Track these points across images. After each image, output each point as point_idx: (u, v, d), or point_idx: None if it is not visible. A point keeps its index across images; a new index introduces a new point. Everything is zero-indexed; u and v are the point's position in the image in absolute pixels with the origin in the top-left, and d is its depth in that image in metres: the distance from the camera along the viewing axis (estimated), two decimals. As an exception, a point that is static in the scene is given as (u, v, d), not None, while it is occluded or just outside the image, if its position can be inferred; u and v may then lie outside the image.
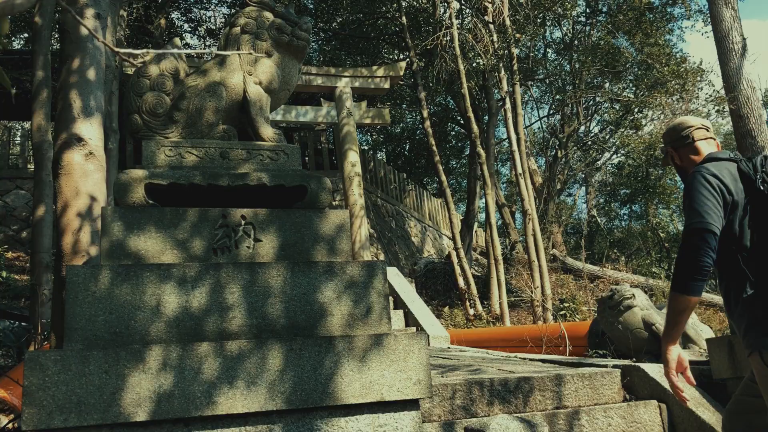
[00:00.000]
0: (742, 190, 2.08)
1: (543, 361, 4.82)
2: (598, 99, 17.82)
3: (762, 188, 2.04)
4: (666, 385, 3.58)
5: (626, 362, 4.08)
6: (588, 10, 16.94)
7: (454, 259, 12.25)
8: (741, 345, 3.52)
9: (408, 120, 22.61)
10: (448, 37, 11.86)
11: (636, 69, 15.55)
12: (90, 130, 4.02)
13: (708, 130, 2.38)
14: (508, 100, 12.14)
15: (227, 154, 2.84)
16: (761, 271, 1.97)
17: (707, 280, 1.99)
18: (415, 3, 15.25)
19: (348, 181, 10.73)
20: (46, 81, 6.95)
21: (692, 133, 2.36)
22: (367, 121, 11.52)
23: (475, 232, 18.57)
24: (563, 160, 18.87)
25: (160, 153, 2.78)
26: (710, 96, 13.93)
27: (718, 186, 2.05)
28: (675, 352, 2.09)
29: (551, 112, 20.33)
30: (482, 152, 12.26)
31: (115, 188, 2.64)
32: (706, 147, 2.34)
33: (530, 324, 10.63)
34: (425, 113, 12.80)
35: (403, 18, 12.93)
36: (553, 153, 18.95)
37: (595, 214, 24.55)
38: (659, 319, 5.06)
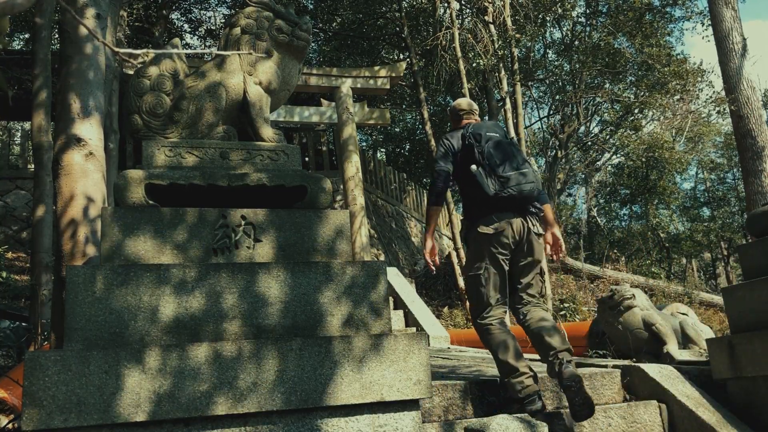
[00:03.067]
0: (461, 146, 3.48)
1: (543, 361, 4.81)
2: (598, 99, 17.82)
3: (467, 143, 3.44)
4: (666, 385, 3.58)
5: (626, 362, 4.08)
6: (588, 11, 16.93)
7: (454, 260, 12.25)
8: (741, 345, 3.53)
9: (408, 120, 22.61)
10: (449, 38, 11.86)
11: (636, 69, 15.55)
12: (90, 130, 4.02)
13: (469, 110, 3.75)
14: (508, 100, 12.14)
15: (227, 155, 2.84)
16: (467, 188, 3.44)
17: (444, 195, 3.53)
18: (415, 3, 15.25)
19: (348, 182, 10.73)
20: (46, 81, 6.96)
21: (459, 112, 3.76)
22: (368, 121, 11.52)
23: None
24: (563, 160, 18.87)
25: (160, 153, 2.78)
26: (710, 97, 13.94)
27: (449, 145, 3.52)
28: (431, 241, 3.51)
29: (551, 112, 20.33)
30: (482, 152, 12.22)
31: (115, 188, 2.64)
32: (465, 121, 3.70)
33: (530, 324, 10.60)
34: (425, 114, 12.79)
35: (404, 18, 12.93)
36: (553, 153, 18.95)
37: (595, 215, 24.55)
38: (659, 320, 5.06)
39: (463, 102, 3.82)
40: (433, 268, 3.53)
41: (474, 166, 3.35)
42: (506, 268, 3.39)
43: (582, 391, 3.09)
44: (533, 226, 3.42)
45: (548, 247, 3.60)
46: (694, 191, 26.96)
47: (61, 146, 3.95)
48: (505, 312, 3.44)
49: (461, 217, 3.87)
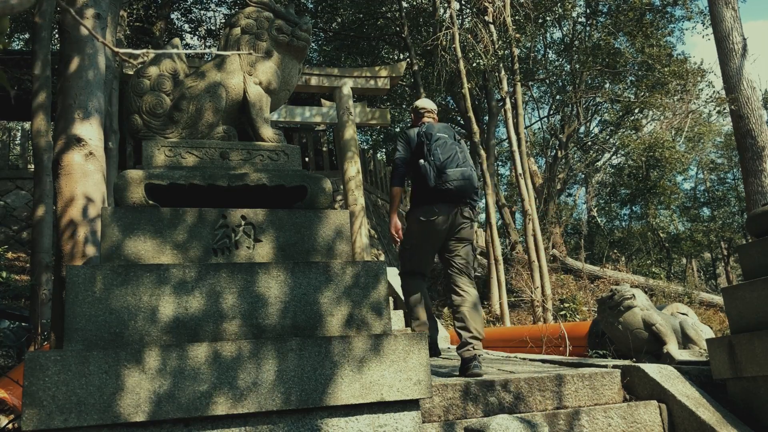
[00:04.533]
0: (416, 141, 4.14)
1: (543, 361, 4.82)
2: (598, 99, 17.82)
3: (420, 140, 4.10)
4: (666, 385, 3.58)
5: (626, 362, 4.08)
6: (588, 11, 16.93)
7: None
8: (741, 345, 3.53)
9: (408, 120, 22.61)
10: (449, 38, 11.86)
11: (636, 69, 15.55)
12: (90, 130, 4.02)
13: (429, 109, 4.47)
14: (508, 100, 12.14)
15: (227, 155, 2.84)
16: (415, 177, 4.12)
17: (404, 179, 4.31)
18: (415, 3, 15.25)
19: (348, 182, 10.73)
20: (46, 81, 6.97)
21: (420, 110, 4.47)
22: (368, 121, 11.51)
23: (476, 232, 18.53)
24: (563, 160, 18.87)
25: (160, 153, 2.78)
26: (710, 97, 13.94)
27: (405, 139, 4.23)
28: (395, 218, 4.32)
29: (551, 112, 20.32)
30: (483, 152, 12.26)
31: (115, 189, 2.64)
32: (424, 119, 4.42)
33: (530, 324, 10.63)
34: (425, 114, 12.75)
35: (404, 18, 12.93)
36: (553, 153, 18.95)
37: (595, 215, 24.54)
38: (659, 320, 5.06)
39: (426, 102, 4.54)
40: (398, 241, 4.33)
41: (422, 161, 4.02)
42: (434, 249, 4.22)
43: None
44: (464, 212, 4.11)
45: None
46: (694, 191, 26.96)
47: (61, 146, 3.95)
48: (424, 278, 4.44)
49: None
